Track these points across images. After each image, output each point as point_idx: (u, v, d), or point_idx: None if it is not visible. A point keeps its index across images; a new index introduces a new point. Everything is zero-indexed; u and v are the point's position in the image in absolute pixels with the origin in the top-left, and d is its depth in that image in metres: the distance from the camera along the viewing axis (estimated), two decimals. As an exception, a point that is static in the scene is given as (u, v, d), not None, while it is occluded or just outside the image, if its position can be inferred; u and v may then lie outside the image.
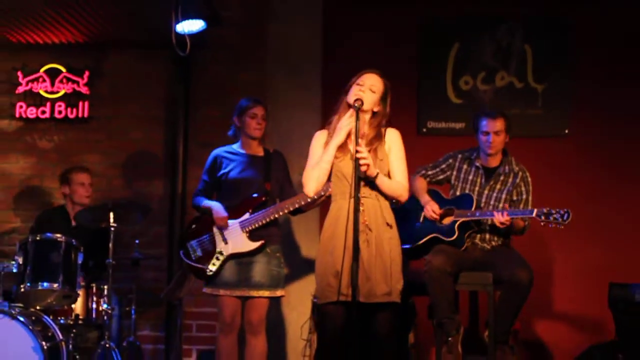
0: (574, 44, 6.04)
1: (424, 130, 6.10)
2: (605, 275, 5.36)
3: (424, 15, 6.18)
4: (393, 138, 4.07)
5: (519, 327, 5.26)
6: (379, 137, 4.02)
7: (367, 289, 3.85)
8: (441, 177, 5.14)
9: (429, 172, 5.14)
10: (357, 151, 3.82)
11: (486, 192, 5.00)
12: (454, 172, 5.09)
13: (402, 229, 4.86)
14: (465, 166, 5.08)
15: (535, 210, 4.71)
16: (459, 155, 5.12)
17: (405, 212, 5.03)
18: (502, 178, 5.00)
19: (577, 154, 5.97)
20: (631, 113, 5.97)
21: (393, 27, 6.17)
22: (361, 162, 3.84)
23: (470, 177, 5.05)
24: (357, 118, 3.88)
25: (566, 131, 6.01)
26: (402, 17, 6.17)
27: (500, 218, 4.74)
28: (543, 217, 4.67)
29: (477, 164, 5.04)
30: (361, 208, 3.87)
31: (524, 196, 4.98)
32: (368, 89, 3.97)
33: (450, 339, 4.80)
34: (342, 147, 4.00)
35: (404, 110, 5.93)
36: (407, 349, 5.26)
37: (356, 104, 3.90)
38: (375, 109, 4.01)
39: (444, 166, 5.13)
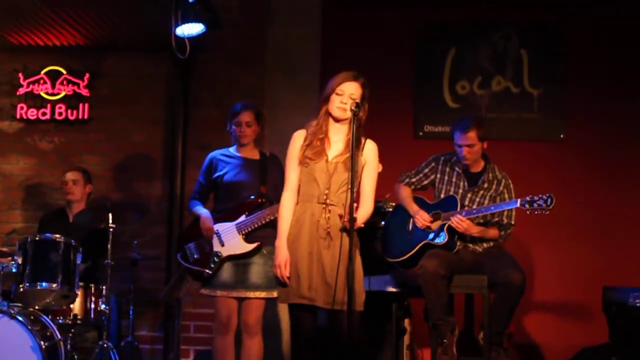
0: (569, 50, 6.09)
1: (421, 134, 6.13)
2: (599, 278, 5.42)
3: (422, 20, 6.23)
4: (371, 152, 4.06)
5: (513, 330, 5.38)
6: (358, 143, 3.96)
7: (328, 295, 3.86)
8: (425, 182, 5.13)
9: (413, 180, 5.12)
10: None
11: (469, 195, 4.98)
12: (438, 175, 5.08)
13: (396, 241, 5.03)
14: (447, 169, 5.07)
15: (519, 200, 4.70)
16: (442, 158, 5.11)
17: (397, 225, 5.05)
18: (486, 185, 5.00)
19: (573, 159, 6.02)
20: (627, 118, 6.03)
21: (391, 31, 6.23)
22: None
23: (454, 180, 5.04)
24: (353, 123, 3.87)
25: (562, 136, 6.09)
26: (400, 21, 6.22)
27: (454, 221, 4.76)
28: (527, 205, 4.65)
29: (458, 169, 5.04)
30: (327, 215, 3.92)
31: None
32: (348, 97, 3.96)
33: (445, 340, 4.82)
34: (318, 151, 4.00)
35: (400, 113, 6.04)
36: (401, 351, 5.26)
37: (352, 107, 3.88)
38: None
39: (426, 171, 5.12)
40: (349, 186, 3.85)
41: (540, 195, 4.63)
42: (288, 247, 4.01)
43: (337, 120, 4.03)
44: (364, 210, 4.01)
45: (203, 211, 4.83)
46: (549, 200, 4.60)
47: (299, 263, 3.95)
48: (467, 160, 4.97)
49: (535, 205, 4.63)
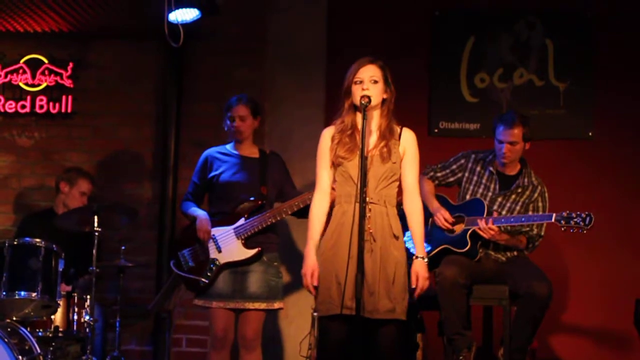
0: (599, 39, 6.04)
1: (436, 131, 6.11)
2: (631, 290, 5.40)
3: (437, 7, 6.19)
4: (409, 141, 4.05)
5: (537, 346, 5.27)
6: (391, 130, 4.01)
7: (370, 304, 3.84)
8: (451, 179, 5.11)
9: (438, 174, 5.11)
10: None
11: (499, 199, 4.96)
12: (466, 174, 5.06)
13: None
14: (478, 168, 5.05)
15: (554, 215, 4.69)
16: (473, 156, 5.09)
17: None
18: (519, 190, 4.98)
19: (602, 159, 5.98)
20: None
21: (404, 19, 6.20)
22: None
23: (484, 181, 5.03)
24: (365, 117, 3.88)
25: (590, 134, 6.03)
26: (413, 9, 6.20)
27: (482, 227, 4.75)
28: (563, 222, 4.65)
29: (492, 169, 5.01)
30: (367, 214, 3.86)
31: (541, 213, 4.96)
32: (369, 82, 3.96)
33: (461, 357, 4.79)
34: (349, 148, 3.98)
35: (413, 109, 5.92)
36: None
37: (362, 101, 3.89)
38: (384, 96, 4.02)
39: (454, 167, 5.10)
40: (360, 184, 3.84)
41: (578, 213, 4.63)
42: (327, 253, 3.96)
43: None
44: (419, 207, 4.05)
45: (200, 212, 4.83)
46: (588, 219, 4.62)
47: (339, 270, 3.88)
48: (506, 159, 4.93)
49: (572, 222, 4.64)
